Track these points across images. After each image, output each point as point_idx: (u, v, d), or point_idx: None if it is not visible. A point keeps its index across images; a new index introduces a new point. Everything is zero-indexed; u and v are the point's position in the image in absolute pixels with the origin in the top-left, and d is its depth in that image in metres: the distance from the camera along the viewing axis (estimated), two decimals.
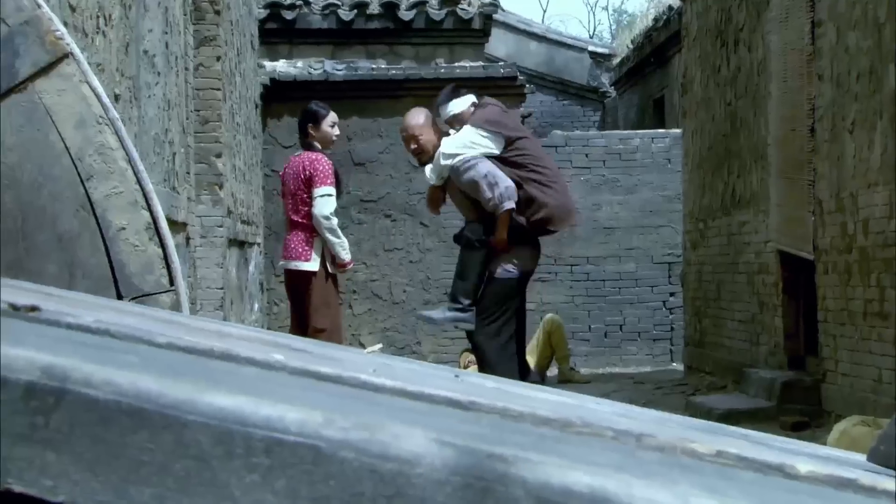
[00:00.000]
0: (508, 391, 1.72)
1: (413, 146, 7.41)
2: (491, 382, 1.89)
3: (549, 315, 12.86)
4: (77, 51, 1.63)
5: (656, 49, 16.48)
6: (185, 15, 7.64)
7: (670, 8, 15.46)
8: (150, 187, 1.71)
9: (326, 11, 13.70)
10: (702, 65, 12.14)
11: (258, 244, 11.68)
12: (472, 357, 11.95)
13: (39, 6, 1.57)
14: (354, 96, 12.75)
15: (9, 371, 0.89)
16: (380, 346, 11.23)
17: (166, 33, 6.77)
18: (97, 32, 4.86)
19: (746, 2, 10.47)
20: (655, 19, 16.62)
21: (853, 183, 7.86)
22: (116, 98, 5.19)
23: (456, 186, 7.24)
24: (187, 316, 1.69)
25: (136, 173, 1.67)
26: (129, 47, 5.59)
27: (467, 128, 7.24)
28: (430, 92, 13.47)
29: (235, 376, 1.10)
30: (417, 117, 7.44)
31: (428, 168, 7.34)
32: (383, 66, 13.27)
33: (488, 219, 7.14)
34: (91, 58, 4.60)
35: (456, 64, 13.59)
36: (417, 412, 1.08)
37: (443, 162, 7.17)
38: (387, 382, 1.17)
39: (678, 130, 13.85)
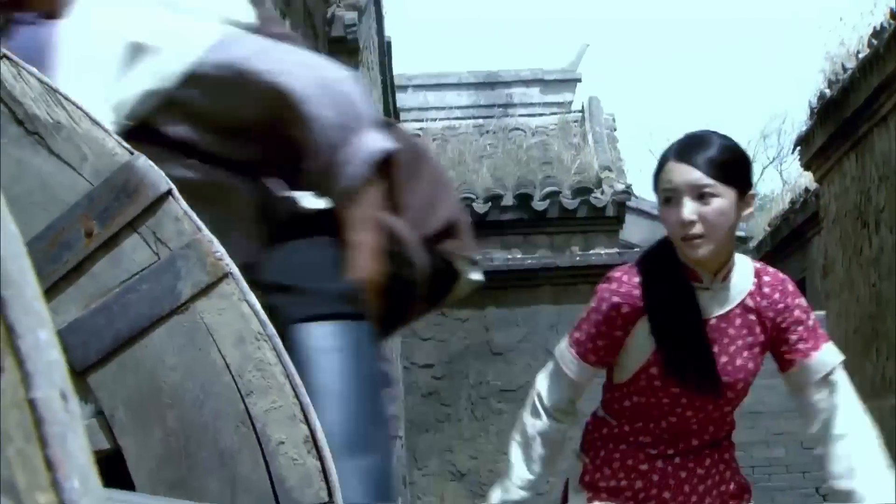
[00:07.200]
0: None
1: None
2: None
3: None
4: (236, 270, 1.69)
5: (794, 231, 16.33)
6: None
7: (807, 190, 15.36)
8: (307, 400, 1.74)
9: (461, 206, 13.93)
10: (843, 246, 11.98)
11: (399, 437, 11.68)
12: None
13: (200, 229, 1.63)
14: (491, 287, 12.78)
15: None
16: None
17: None
18: None
19: (886, 183, 10.36)
20: (792, 202, 16.50)
21: None
22: None
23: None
24: None
25: (293, 387, 1.70)
26: None
27: None
28: (567, 280, 13.57)
29: None
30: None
31: None
32: (518, 256, 13.37)
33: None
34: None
35: (591, 252, 13.64)
36: None
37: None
38: None
39: (822, 312, 13.59)
